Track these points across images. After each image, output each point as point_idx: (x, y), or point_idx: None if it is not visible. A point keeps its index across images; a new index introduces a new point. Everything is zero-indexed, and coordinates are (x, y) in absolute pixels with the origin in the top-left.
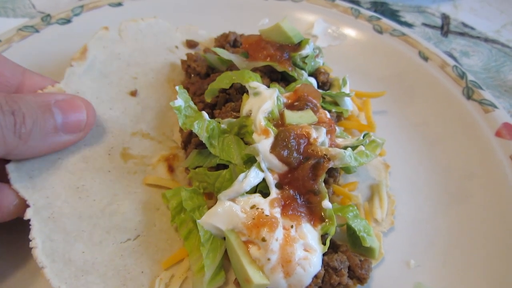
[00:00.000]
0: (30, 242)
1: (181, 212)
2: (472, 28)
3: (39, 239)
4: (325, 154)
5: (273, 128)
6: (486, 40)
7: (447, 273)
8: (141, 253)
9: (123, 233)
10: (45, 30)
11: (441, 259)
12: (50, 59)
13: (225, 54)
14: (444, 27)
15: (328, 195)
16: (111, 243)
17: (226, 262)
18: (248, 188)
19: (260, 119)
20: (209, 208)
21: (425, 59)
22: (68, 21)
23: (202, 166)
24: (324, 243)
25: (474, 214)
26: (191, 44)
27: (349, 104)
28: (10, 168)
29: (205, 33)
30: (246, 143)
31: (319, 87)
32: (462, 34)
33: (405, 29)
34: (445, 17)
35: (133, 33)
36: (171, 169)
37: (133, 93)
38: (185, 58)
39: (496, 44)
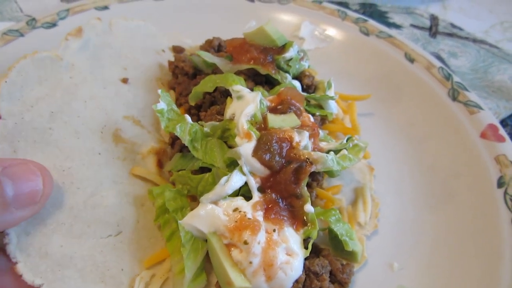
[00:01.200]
0: (4, 238)
1: (165, 212)
2: (461, 29)
3: (14, 233)
4: (307, 158)
5: (256, 131)
6: (474, 40)
7: (431, 275)
8: (123, 250)
9: (104, 228)
10: (30, 34)
11: (425, 261)
12: None
13: (208, 57)
14: (433, 28)
15: (312, 199)
16: (91, 237)
17: (208, 265)
18: (230, 191)
19: (242, 123)
20: (192, 210)
21: (411, 60)
22: (53, 25)
23: (185, 169)
24: (306, 247)
25: (459, 216)
26: (177, 49)
27: (333, 107)
28: None
29: (191, 41)
30: (230, 147)
31: (303, 90)
32: (450, 35)
33: (391, 31)
34: (433, 18)
35: (123, 29)
36: (160, 164)
37: (124, 80)
38: (172, 60)
39: (484, 44)
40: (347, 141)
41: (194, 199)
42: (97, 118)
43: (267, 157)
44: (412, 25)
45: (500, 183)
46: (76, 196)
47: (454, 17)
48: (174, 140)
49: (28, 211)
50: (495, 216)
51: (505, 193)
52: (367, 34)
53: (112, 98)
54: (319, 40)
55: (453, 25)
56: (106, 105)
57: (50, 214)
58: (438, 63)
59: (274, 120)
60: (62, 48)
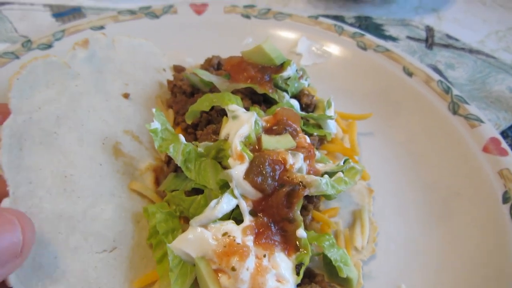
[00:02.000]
0: None
1: (158, 233)
2: (456, 40)
3: None
4: (300, 181)
5: (249, 153)
6: (471, 51)
7: None
8: (115, 268)
9: (101, 243)
10: (25, 56)
11: (433, 281)
12: None
13: (205, 75)
14: (429, 40)
15: (307, 222)
16: (87, 251)
17: None
18: (220, 215)
19: (236, 144)
20: (183, 232)
21: (410, 74)
22: (49, 46)
23: (179, 190)
24: (298, 273)
25: (464, 233)
26: (177, 69)
27: (332, 127)
28: (5, 131)
29: (191, 60)
30: (224, 168)
31: (302, 109)
32: (446, 46)
33: (388, 45)
34: (429, 30)
35: (125, 46)
36: (157, 182)
37: (126, 96)
38: (172, 79)
39: (481, 55)
40: (344, 163)
41: (187, 221)
42: (99, 129)
43: (259, 180)
44: (408, 37)
45: (505, 198)
46: (76, 206)
47: (449, 28)
48: (170, 159)
49: (7, 268)
50: (502, 233)
51: (511, 208)
52: (364, 48)
53: (114, 111)
54: (317, 55)
55: (448, 36)
56: (107, 118)
57: (48, 222)
58: (437, 77)
59: (269, 141)
60: (69, 57)
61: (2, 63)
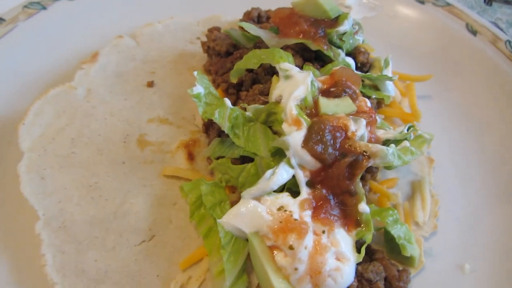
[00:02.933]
0: (41, 259)
1: (200, 207)
2: None
3: (50, 254)
4: (364, 151)
5: (306, 118)
6: None
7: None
8: (157, 255)
9: (137, 235)
10: (53, 6)
11: (500, 263)
12: (59, 38)
13: (252, 29)
14: None
15: (366, 194)
16: (125, 247)
17: (249, 264)
18: (275, 187)
19: (291, 107)
20: (231, 203)
21: (474, 33)
22: None
23: (224, 157)
24: (358, 251)
25: None
26: (211, 29)
27: (391, 89)
28: (21, 169)
29: (229, 19)
30: (275, 133)
31: (357, 68)
32: (508, 2)
33: None
34: None
35: (149, 35)
36: (191, 157)
37: (150, 84)
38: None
39: None
40: (408, 130)
41: (233, 190)
42: (118, 131)
43: (319, 148)
44: None
45: None
46: (105, 208)
47: None
48: (208, 126)
49: None
50: None
51: None
52: (422, 2)
53: (134, 107)
54: (368, 8)
55: None
56: (128, 116)
57: (83, 231)
58: (505, 36)
59: (327, 105)
60: (77, 77)
61: (29, 14)
